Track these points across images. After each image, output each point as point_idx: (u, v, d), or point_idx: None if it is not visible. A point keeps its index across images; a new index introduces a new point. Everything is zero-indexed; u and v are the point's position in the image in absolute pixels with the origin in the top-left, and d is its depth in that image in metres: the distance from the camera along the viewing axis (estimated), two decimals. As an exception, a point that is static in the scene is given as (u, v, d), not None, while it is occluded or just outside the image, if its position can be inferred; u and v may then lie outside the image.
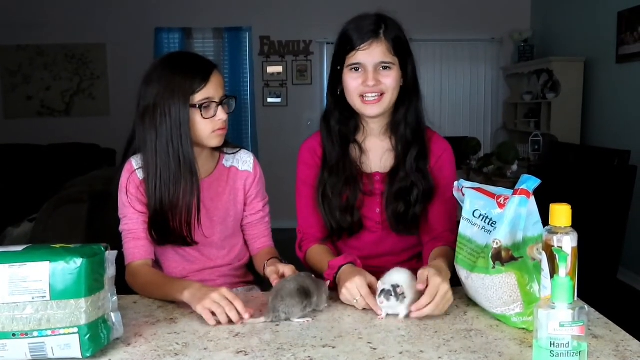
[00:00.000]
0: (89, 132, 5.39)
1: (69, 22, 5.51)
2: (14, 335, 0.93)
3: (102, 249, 1.00)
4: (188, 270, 1.51)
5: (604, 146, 3.93)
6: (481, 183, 1.22)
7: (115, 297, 1.04)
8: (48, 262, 0.93)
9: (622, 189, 2.51)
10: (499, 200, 1.11)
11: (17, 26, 5.43)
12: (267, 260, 1.44)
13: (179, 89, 1.35)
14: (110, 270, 1.02)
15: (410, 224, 1.45)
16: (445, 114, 5.63)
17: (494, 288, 1.10)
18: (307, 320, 1.14)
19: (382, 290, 1.13)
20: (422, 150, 1.45)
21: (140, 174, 1.42)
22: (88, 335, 0.95)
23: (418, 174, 1.43)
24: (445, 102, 5.70)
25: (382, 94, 1.38)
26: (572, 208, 0.92)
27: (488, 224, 1.12)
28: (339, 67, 1.42)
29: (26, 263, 0.93)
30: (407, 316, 1.14)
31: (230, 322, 1.12)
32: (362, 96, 1.39)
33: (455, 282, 1.25)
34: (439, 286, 1.12)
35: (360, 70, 1.38)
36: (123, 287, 1.31)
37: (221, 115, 1.39)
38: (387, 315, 1.15)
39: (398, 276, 1.17)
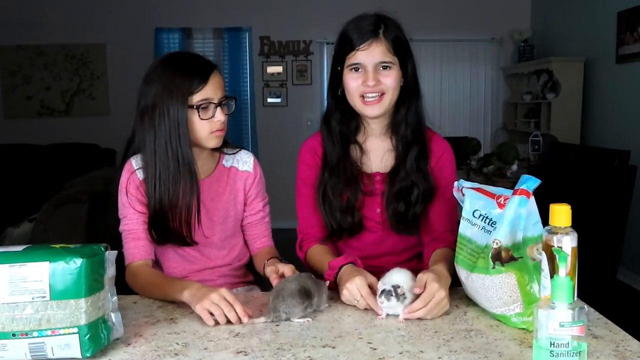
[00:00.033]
0: (89, 132, 5.39)
1: (69, 22, 5.51)
2: (13, 335, 0.93)
3: (102, 249, 1.00)
4: (188, 270, 1.51)
5: (603, 146, 3.93)
6: (481, 183, 1.22)
7: (115, 297, 1.04)
8: (48, 262, 0.93)
9: (622, 189, 2.51)
10: (498, 201, 1.11)
11: (17, 26, 5.43)
12: (267, 260, 1.44)
13: (178, 89, 1.35)
14: (110, 270, 1.02)
15: (411, 223, 1.45)
16: (445, 114, 5.64)
17: (493, 288, 1.10)
18: (307, 320, 1.14)
19: (383, 291, 1.13)
20: (422, 150, 1.45)
21: (140, 174, 1.42)
22: (88, 336, 0.95)
23: (418, 174, 1.43)
24: (445, 102, 5.70)
25: (382, 94, 1.38)
26: (572, 208, 0.92)
27: (488, 224, 1.12)
28: (339, 68, 1.42)
29: (26, 263, 0.93)
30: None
31: (229, 322, 1.13)
32: (362, 96, 1.39)
33: (455, 282, 1.26)
34: (435, 292, 1.13)
35: (360, 70, 1.38)
36: (123, 287, 1.31)
37: (219, 116, 1.39)
38: (387, 315, 1.15)
39: (398, 276, 1.18)
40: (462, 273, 1.18)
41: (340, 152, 1.46)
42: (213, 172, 1.52)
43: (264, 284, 1.55)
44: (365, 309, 1.19)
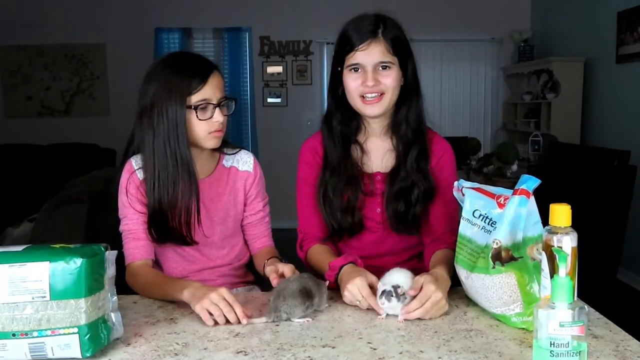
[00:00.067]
0: (89, 132, 5.39)
1: (69, 22, 5.51)
2: (13, 335, 0.93)
3: (102, 249, 1.00)
4: (188, 270, 1.51)
5: (603, 146, 3.93)
6: (481, 183, 1.22)
7: (115, 297, 1.04)
8: (48, 262, 0.93)
9: (622, 189, 2.51)
10: (498, 200, 1.11)
11: (17, 26, 5.43)
12: (267, 260, 1.44)
13: (177, 89, 1.35)
14: (110, 270, 1.02)
15: (410, 223, 1.45)
16: (445, 114, 5.64)
17: (493, 288, 1.10)
18: (307, 320, 1.14)
19: (383, 292, 1.13)
20: (422, 150, 1.45)
21: (140, 174, 1.42)
22: (88, 335, 0.95)
23: (419, 174, 1.43)
24: (445, 102, 5.70)
25: (382, 94, 1.38)
26: (572, 208, 0.92)
27: (488, 224, 1.12)
28: (339, 68, 1.42)
29: (26, 263, 0.93)
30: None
31: (228, 322, 1.13)
32: (362, 96, 1.39)
33: (456, 282, 1.26)
34: (432, 293, 1.13)
35: (359, 70, 1.38)
36: (123, 287, 1.31)
37: (218, 117, 1.39)
38: (387, 315, 1.15)
39: (398, 276, 1.18)
40: (462, 273, 1.18)
41: (341, 152, 1.46)
42: (213, 172, 1.52)
43: (264, 283, 1.55)
44: (367, 308, 1.19)
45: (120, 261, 1.23)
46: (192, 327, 1.13)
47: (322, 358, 0.97)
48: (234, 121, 5.45)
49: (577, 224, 0.94)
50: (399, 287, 1.13)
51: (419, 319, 1.13)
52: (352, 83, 1.39)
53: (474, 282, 1.14)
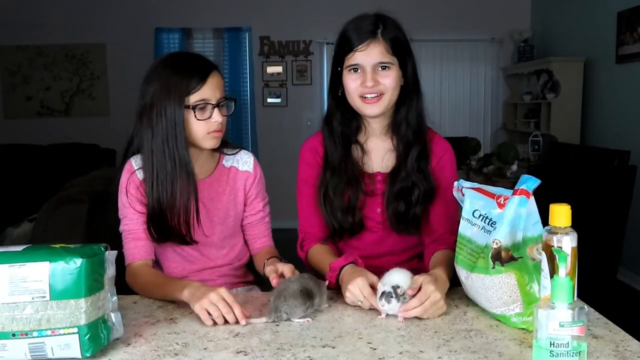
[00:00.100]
0: (89, 132, 5.39)
1: (69, 22, 5.51)
2: (13, 335, 0.93)
3: (102, 249, 1.00)
4: (188, 270, 1.51)
5: (603, 146, 3.93)
6: (481, 183, 1.22)
7: (115, 297, 1.04)
8: (48, 262, 0.93)
9: (622, 189, 2.51)
10: (498, 200, 1.11)
11: (17, 26, 5.43)
12: (267, 260, 1.44)
13: (175, 89, 1.35)
14: (110, 270, 1.02)
15: (411, 224, 1.45)
16: (445, 114, 5.64)
17: (493, 288, 1.10)
18: (307, 320, 1.14)
19: (383, 293, 1.13)
20: (423, 150, 1.45)
21: (140, 174, 1.42)
22: (88, 336, 0.95)
23: (419, 174, 1.43)
24: (445, 102, 5.70)
25: (381, 94, 1.38)
26: (572, 208, 0.92)
27: (488, 224, 1.12)
28: (339, 68, 1.42)
29: (26, 263, 0.93)
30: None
31: (227, 322, 1.13)
32: (362, 97, 1.39)
33: (456, 282, 1.26)
34: (431, 293, 1.13)
35: (359, 71, 1.38)
36: (123, 287, 1.31)
37: (217, 117, 1.38)
38: (387, 315, 1.15)
39: (398, 276, 1.18)
40: (462, 273, 1.18)
41: (341, 152, 1.46)
42: (213, 172, 1.52)
43: (263, 284, 1.55)
44: (370, 309, 1.19)
45: (120, 261, 1.23)
46: (192, 327, 1.13)
47: (322, 358, 0.97)
48: (233, 121, 5.45)
49: (577, 224, 0.94)
50: (398, 287, 1.13)
51: (419, 319, 1.14)
52: (352, 84, 1.39)
53: (473, 282, 1.14)
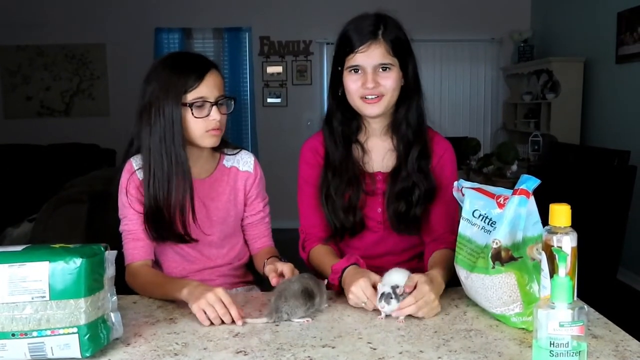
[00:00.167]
0: (89, 132, 5.39)
1: (69, 22, 5.51)
2: (13, 335, 0.93)
3: (102, 249, 1.00)
4: (188, 270, 1.50)
5: (603, 146, 3.93)
6: (481, 183, 1.22)
7: (115, 297, 1.04)
8: (47, 262, 0.93)
9: (622, 189, 2.51)
10: (498, 200, 1.11)
11: (17, 26, 5.43)
12: (267, 259, 1.44)
13: (173, 87, 1.35)
14: (110, 270, 1.02)
15: (411, 223, 1.45)
16: (445, 114, 5.63)
17: (493, 288, 1.10)
18: (307, 320, 1.14)
19: (382, 294, 1.13)
20: (423, 150, 1.45)
21: (140, 175, 1.42)
22: (87, 335, 0.95)
23: (420, 174, 1.43)
24: (445, 102, 5.70)
25: (381, 95, 1.38)
26: (572, 208, 0.92)
27: (488, 224, 1.12)
28: (339, 68, 1.42)
29: (26, 263, 0.93)
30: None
31: (224, 323, 1.12)
32: (362, 97, 1.39)
33: (455, 282, 1.26)
34: (425, 294, 1.13)
35: (359, 71, 1.37)
36: (123, 287, 1.31)
37: (215, 115, 1.38)
38: (387, 315, 1.15)
39: (397, 276, 1.18)
40: (462, 273, 1.18)
41: (342, 152, 1.46)
42: (214, 172, 1.52)
43: (263, 283, 1.55)
44: (374, 309, 1.18)
45: (120, 261, 1.23)
46: (192, 327, 1.13)
47: (322, 358, 0.97)
48: (233, 121, 5.46)
49: (577, 224, 0.94)
50: (397, 287, 1.13)
51: (418, 319, 1.13)
52: (352, 84, 1.39)
53: (473, 282, 1.14)
